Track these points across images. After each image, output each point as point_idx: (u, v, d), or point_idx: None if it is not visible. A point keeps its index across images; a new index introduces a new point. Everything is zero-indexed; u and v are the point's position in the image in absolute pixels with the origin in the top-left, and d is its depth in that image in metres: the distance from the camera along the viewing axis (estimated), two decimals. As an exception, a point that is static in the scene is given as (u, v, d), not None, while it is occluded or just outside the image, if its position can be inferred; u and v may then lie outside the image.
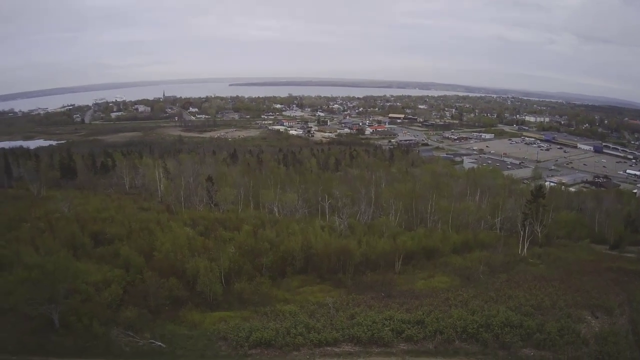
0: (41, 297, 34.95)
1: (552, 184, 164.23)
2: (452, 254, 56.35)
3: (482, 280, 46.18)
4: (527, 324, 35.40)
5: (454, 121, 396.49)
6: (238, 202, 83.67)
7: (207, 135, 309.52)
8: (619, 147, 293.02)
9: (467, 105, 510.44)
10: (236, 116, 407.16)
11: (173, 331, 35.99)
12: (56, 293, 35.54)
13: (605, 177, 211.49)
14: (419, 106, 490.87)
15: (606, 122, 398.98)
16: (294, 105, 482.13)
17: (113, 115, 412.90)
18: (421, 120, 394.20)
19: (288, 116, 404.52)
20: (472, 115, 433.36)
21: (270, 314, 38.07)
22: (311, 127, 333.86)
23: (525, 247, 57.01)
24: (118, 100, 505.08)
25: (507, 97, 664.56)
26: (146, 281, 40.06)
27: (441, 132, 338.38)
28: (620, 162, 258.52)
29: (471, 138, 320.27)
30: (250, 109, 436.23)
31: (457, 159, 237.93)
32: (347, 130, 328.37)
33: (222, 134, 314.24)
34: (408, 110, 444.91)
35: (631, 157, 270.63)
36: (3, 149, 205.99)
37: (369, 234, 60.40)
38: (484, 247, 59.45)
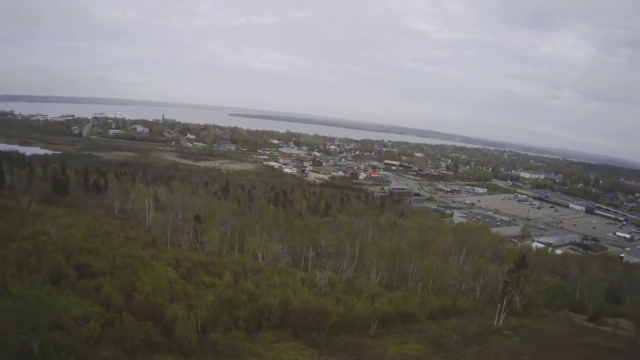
0: (24, 327, 35.41)
1: (539, 244, 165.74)
2: (428, 319, 56.25)
3: (454, 350, 45.89)
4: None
5: (449, 172, 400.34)
6: (223, 243, 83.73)
7: (202, 164, 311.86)
8: (610, 209, 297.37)
9: (464, 157, 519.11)
10: (233, 147, 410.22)
11: (146, 376, 35.98)
12: (38, 325, 35.91)
13: (594, 239, 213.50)
14: (416, 154, 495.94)
15: (601, 182, 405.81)
16: (291, 142, 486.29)
17: (111, 132, 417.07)
18: (416, 169, 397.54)
19: (284, 153, 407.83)
20: (467, 167, 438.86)
21: (241, 368, 37.98)
22: (306, 167, 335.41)
23: (502, 317, 56.47)
24: (118, 117, 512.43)
25: (504, 150, 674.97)
26: (124, 322, 39.93)
27: (435, 182, 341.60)
28: (610, 223, 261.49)
29: (464, 191, 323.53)
30: (248, 142, 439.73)
31: (448, 212, 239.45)
32: (341, 173, 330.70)
33: (217, 164, 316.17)
34: (404, 158, 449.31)
35: (622, 219, 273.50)
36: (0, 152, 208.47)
37: (348, 292, 60.70)
38: (461, 314, 59.54)
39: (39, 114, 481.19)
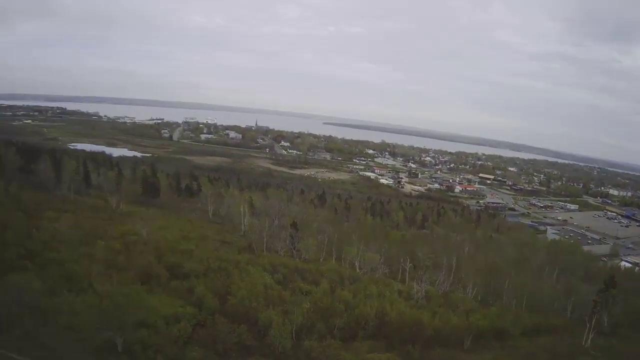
0: (108, 324, 35.47)
1: (627, 264, 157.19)
2: (520, 336, 54.67)
3: None
4: None
5: (542, 188, 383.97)
6: (320, 251, 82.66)
7: (297, 172, 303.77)
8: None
9: (555, 172, 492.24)
10: (328, 156, 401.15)
11: (235, 378, 35.71)
12: (124, 323, 35.86)
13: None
14: (509, 168, 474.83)
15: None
16: (386, 153, 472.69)
17: (203, 136, 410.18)
18: (510, 183, 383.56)
19: (380, 163, 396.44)
20: (559, 183, 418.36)
21: (333, 377, 37.63)
22: (402, 178, 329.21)
23: (590, 337, 54.20)
24: (209, 122, 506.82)
25: (594, 167, 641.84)
26: (217, 324, 39.98)
27: (528, 197, 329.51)
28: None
29: (556, 207, 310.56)
30: (343, 151, 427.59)
31: (541, 227, 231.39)
32: (437, 185, 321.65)
33: (312, 172, 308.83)
34: (498, 172, 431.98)
35: None
36: (84, 151, 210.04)
37: (444, 305, 59.72)
38: (551, 332, 57.87)
39: (125, 117, 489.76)
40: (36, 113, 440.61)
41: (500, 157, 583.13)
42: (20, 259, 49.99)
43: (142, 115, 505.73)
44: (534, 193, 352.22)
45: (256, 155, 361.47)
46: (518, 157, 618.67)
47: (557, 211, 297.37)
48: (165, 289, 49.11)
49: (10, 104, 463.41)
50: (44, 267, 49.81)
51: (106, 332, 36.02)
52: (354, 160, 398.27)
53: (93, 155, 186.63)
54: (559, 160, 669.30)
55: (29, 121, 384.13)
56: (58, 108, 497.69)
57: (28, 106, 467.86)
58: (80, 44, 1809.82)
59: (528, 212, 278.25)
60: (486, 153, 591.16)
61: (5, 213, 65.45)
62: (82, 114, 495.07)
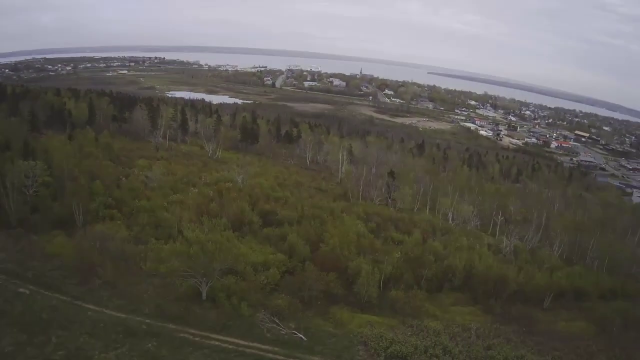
0: (195, 271, 36.23)
1: None
2: (598, 298, 52.72)
3: (614, 333, 43.32)
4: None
5: (632, 150, 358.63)
6: (415, 201, 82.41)
7: (399, 120, 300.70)
8: None
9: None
10: (430, 106, 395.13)
11: (318, 326, 36.44)
12: (211, 269, 36.52)
13: None
14: (604, 127, 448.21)
15: None
16: (488, 105, 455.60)
17: (306, 84, 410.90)
18: (603, 142, 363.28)
19: (480, 115, 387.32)
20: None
21: (415, 328, 37.95)
22: (501, 131, 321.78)
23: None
24: (313, 70, 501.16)
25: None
26: (306, 272, 40.44)
27: (618, 158, 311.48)
28: None
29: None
30: (445, 101, 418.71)
31: (628, 190, 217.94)
32: (534, 140, 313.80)
33: (413, 121, 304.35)
34: (593, 130, 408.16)
35: None
36: (182, 99, 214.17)
37: (530, 262, 58.51)
38: (628, 297, 54.70)
39: (227, 64, 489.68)
40: (132, 63, 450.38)
41: (596, 115, 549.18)
42: (106, 208, 52.29)
43: (244, 63, 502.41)
44: (625, 154, 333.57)
45: (359, 102, 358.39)
46: (613, 117, 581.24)
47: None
48: (257, 236, 50.08)
49: (104, 55, 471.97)
50: (131, 215, 52.46)
51: (191, 279, 37.00)
52: (456, 110, 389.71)
53: (192, 103, 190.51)
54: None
55: (125, 71, 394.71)
56: (156, 58, 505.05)
57: (124, 57, 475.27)
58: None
59: (617, 174, 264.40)
60: (583, 110, 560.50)
61: (93, 163, 67.33)
62: (181, 63, 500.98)
